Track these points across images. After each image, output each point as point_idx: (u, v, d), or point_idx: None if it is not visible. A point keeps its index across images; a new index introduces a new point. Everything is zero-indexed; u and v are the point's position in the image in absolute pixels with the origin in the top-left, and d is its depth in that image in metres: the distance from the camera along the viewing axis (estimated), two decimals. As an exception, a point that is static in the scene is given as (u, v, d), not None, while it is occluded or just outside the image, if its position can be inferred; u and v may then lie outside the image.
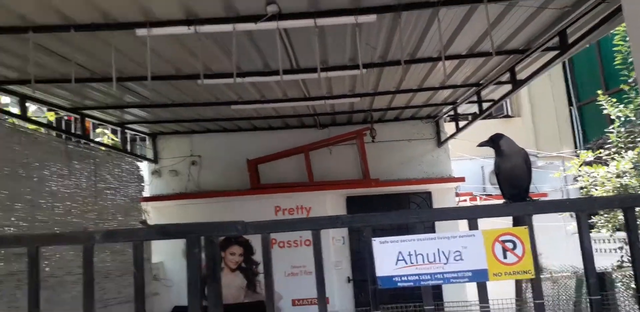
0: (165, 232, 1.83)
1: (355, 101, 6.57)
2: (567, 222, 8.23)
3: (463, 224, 1.90)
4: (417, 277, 1.71)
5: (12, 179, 5.17)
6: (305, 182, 7.84)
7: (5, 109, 6.03)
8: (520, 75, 5.62)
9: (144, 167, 8.29)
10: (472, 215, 1.79)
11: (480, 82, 6.21)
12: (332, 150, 8.12)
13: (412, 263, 1.72)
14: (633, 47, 3.14)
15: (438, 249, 1.74)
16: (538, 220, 1.91)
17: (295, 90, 6.06)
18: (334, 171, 8.08)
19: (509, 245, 1.73)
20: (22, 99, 5.42)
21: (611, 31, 5.61)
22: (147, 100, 6.06)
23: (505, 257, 1.72)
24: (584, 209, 1.79)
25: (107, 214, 6.89)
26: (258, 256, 7.58)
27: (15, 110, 5.76)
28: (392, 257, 1.72)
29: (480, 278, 1.72)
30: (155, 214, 8.17)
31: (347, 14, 3.77)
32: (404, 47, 4.58)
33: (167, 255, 7.78)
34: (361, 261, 7.79)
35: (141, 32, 3.78)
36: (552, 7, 3.87)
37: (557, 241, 8.84)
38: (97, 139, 7.64)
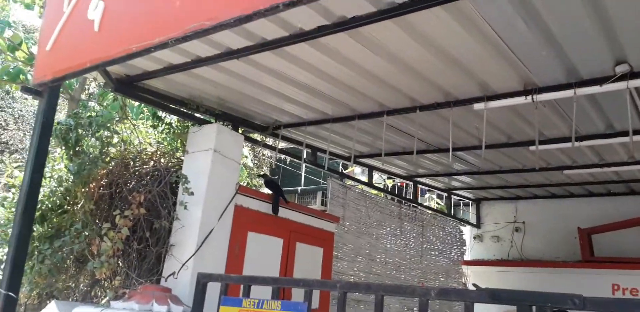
0: (497, 296, 1.79)
1: None
2: None
3: None
4: None
5: (356, 235, 6.08)
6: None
7: (356, 177, 7.22)
8: None
9: (467, 232, 8.40)
10: None
11: None
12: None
13: None
14: None
15: None
16: None
17: (645, 151, 5.22)
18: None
19: None
20: (370, 169, 6.39)
21: None
22: (475, 168, 6.24)
23: None
24: None
25: (430, 273, 7.24)
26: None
27: (363, 178, 6.84)
28: None
29: None
30: (474, 279, 8.06)
31: None
32: None
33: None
34: None
35: (478, 106, 4.00)
36: None
37: None
38: (425, 203, 8.23)
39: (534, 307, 1.73)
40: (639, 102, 3.99)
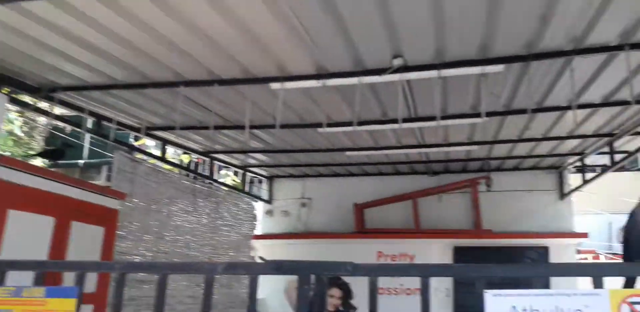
0: (280, 268, 1.90)
1: (473, 149, 6.41)
2: None
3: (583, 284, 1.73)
4: None
5: (144, 212, 5.72)
6: (412, 229, 7.68)
7: (148, 151, 6.78)
8: (665, 125, 5.13)
9: (259, 207, 8.70)
10: (596, 273, 1.63)
11: (614, 132, 5.76)
12: (443, 198, 7.91)
13: None
14: None
15: (556, 307, 1.59)
16: None
17: (410, 137, 6.09)
18: (443, 220, 7.82)
19: (638, 307, 1.54)
20: (164, 143, 6.06)
21: None
22: (270, 146, 6.45)
23: None
24: None
25: (221, 248, 7.29)
26: (355, 301, 7.42)
27: (156, 152, 6.45)
28: (504, 311, 1.61)
29: None
30: (264, 252, 8.45)
31: (473, 64, 3.79)
32: (531, 96, 4.44)
33: (269, 292, 7.92)
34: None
35: (275, 86, 4.10)
36: None
37: None
38: (221, 180, 8.22)
39: (312, 276, 1.83)
40: (409, 94, 4.60)
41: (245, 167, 7.95)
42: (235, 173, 8.46)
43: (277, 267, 1.90)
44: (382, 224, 8.01)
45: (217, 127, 5.34)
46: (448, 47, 3.66)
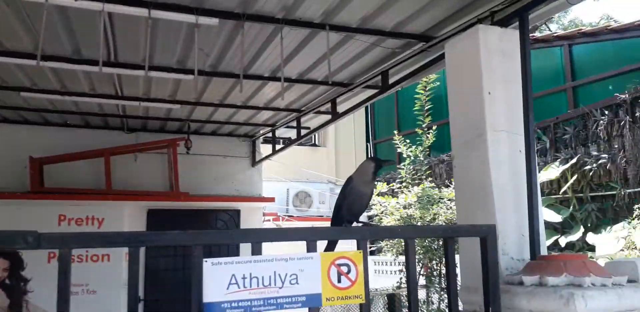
0: None
1: (175, 108, 6.16)
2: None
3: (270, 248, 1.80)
4: (248, 303, 1.55)
5: None
6: (102, 189, 6.97)
7: None
8: (339, 108, 5.98)
9: None
10: (311, 237, 1.71)
11: (302, 108, 6.42)
12: (139, 157, 7.44)
13: (245, 287, 1.56)
14: (450, 92, 3.59)
15: (275, 272, 1.61)
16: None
17: (106, 86, 5.40)
18: (138, 181, 7.38)
19: (344, 269, 1.69)
20: None
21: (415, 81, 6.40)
22: None
23: (339, 281, 1.68)
24: (412, 236, 1.86)
25: None
26: (27, 271, 6.38)
27: None
28: (225, 280, 1.52)
29: (313, 303, 1.65)
30: None
31: (188, 12, 3.51)
32: (239, 60, 4.45)
33: None
34: (157, 280, 7.21)
35: None
36: (384, 46, 4.21)
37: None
38: None
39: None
40: (110, 33, 3.98)
41: None
42: None
43: None
44: (66, 183, 6.98)
45: None
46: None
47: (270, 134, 7.72)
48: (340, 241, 2.22)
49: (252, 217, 7.98)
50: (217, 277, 1.53)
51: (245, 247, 6.82)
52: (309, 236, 1.73)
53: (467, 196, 3.24)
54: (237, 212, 7.91)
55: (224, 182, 7.93)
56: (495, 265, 2.43)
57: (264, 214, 9.55)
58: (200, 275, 1.50)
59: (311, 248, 1.70)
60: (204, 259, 1.54)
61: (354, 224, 2.50)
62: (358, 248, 1.76)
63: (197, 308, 1.48)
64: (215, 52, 4.48)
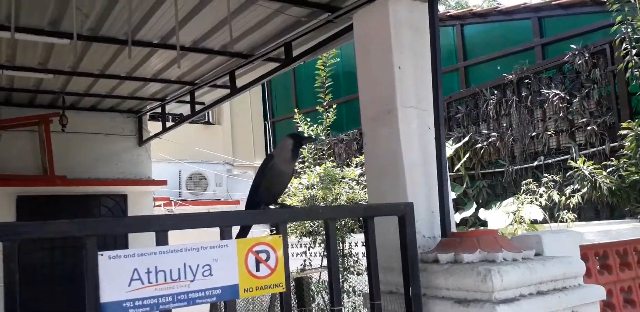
0: None
1: (47, 78, 5.28)
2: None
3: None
4: (155, 301, 1.32)
5: None
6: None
7: None
8: (239, 82, 5.53)
9: None
10: (226, 222, 1.47)
11: (196, 81, 5.87)
12: (3, 136, 6.38)
13: (150, 283, 1.32)
14: (359, 66, 3.34)
15: (185, 264, 1.40)
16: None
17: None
18: (3, 163, 6.40)
19: (263, 256, 1.49)
20: None
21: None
22: None
23: (257, 269, 1.52)
24: (333, 217, 1.80)
25: None
26: None
27: None
28: (125, 276, 1.30)
29: (230, 295, 1.44)
30: None
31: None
32: (126, 21, 3.83)
33: None
34: (35, 276, 6.33)
35: None
36: (288, 13, 3.85)
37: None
38: None
39: None
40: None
41: None
42: None
43: None
44: None
45: None
46: None
47: (159, 110, 7.02)
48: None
49: (141, 202, 7.29)
50: (115, 272, 1.29)
51: (136, 238, 6.28)
52: (224, 221, 1.48)
53: (378, 173, 3.12)
54: (124, 197, 7.17)
55: (107, 163, 7.12)
56: (413, 244, 2.35)
57: (155, 199, 8.84)
58: (95, 271, 1.23)
59: (226, 235, 1.45)
60: (99, 253, 1.29)
61: (271, 206, 2.29)
62: (277, 232, 1.59)
63: (94, 309, 1.18)
64: (96, 12, 3.83)
